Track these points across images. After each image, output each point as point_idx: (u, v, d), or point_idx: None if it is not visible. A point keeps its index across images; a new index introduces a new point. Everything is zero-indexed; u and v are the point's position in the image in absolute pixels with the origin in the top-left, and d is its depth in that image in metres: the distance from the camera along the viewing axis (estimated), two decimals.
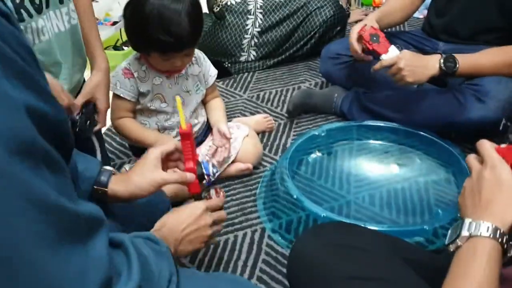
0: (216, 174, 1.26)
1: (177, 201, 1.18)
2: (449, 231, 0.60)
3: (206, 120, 1.33)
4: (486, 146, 0.62)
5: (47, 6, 1.00)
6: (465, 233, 0.56)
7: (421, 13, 2.39)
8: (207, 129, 1.34)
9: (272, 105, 1.70)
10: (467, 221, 0.57)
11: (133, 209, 0.87)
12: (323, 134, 1.37)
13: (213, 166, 1.24)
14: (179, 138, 0.95)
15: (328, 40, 1.93)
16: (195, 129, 1.29)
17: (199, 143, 1.30)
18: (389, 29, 1.64)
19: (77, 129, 1.05)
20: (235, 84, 1.86)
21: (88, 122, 1.08)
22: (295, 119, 1.59)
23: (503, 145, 0.63)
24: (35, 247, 0.34)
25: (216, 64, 1.93)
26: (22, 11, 0.93)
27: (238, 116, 1.61)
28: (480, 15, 1.41)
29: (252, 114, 1.62)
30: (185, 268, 1.00)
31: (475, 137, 0.69)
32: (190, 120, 1.27)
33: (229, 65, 1.94)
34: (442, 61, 1.23)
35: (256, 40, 1.91)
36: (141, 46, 1.14)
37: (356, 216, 1.16)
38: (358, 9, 2.48)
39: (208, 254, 1.08)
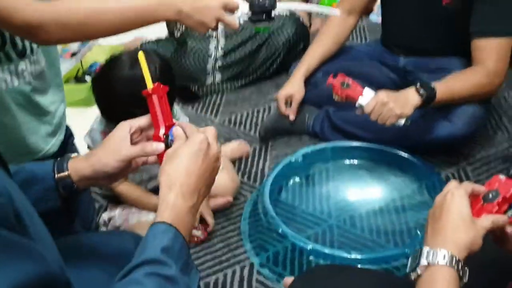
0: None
1: None
2: (410, 259, 0.62)
3: None
4: (453, 182, 0.67)
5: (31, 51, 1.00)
6: (423, 261, 0.59)
7: (379, 17, 2.44)
8: None
9: (245, 128, 1.72)
10: (425, 249, 0.60)
11: (119, 251, 0.80)
12: (299, 160, 1.39)
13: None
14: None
15: (293, 58, 1.96)
16: None
17: None
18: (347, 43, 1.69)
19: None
20: (205, 108, 1.86)
21: None
22: (269, 141, 1.61)
23: (502, 176, 0.69)
24: None
25: (183, 89, 1.94)
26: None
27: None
28: (431, 29, 1.46)
29: (226, 139, 1.63)
30: None
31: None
32: None
33: (196, 88, 1.94)
34: (418, 87, 1.25)
35: (220, 63, 1.92)
36: (117, 118, 1.11)
37: (340, 240, 1.20)
38: (319, 17, 2.51)
39: None
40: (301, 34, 1.95)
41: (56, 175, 0.71)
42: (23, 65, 1.00)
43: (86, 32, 0.89)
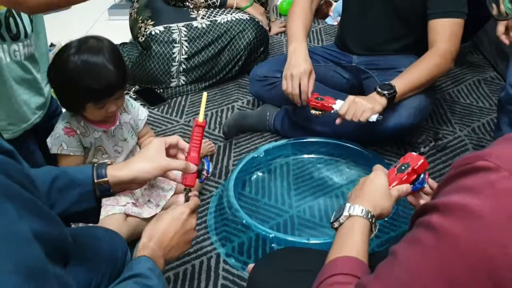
0: (210, 173, 1.20)
1: (134, 239, 1.25)
2: (334, 213, 0.78)
3: None
4: (377, 165, 0.88)
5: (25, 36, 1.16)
6: (345, 213, 0.74)
7: (335, 20, 2.57)
8: None
9: (209, 127, 1.79)
10: (348, 204, 0.76)
11: (98, 256, 0.91)
12: (261, 155, 1.48)
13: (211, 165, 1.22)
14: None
15: (254, 60, 2.05)
16: None
17: None
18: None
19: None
20: (170, 110, 1.91)
21: None
22: (233, 139, 1.69)
23: (414, 153, 0.90)
24: None
25: (148, 91, 2.00)
26: None
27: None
28: (385, 27, 1.58)
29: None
30: None
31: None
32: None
33: (161, 91, 2.00)
34: (379, 89, 1.35)
35: (184, 66, 1.98)
36: (74, 103, 1.18)
37: (300, 229, 1.29)
38: (277, 21, 2.61)
39: (170, 286, 1.16)
40: (261, 38, 2.03)
41: (96, 181, 0.82)
42: (15, 47, 1.15)
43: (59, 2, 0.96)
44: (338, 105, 1.36)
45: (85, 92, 1.12)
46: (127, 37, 2.25)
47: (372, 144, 1.54)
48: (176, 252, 0.85)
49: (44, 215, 0.47)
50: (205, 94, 0.92)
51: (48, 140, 1.22)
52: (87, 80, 1.10)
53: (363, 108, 1.31)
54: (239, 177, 1.40)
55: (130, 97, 1.86)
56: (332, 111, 1.38)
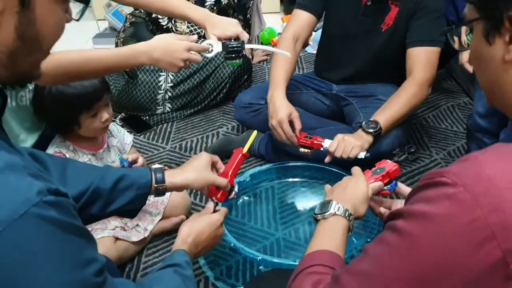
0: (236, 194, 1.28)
1: (122, 263, 1.27)
2: (318, 205, 0.87)
3: None
4: (357, 167, 1.02)
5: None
6: (332, 211, 0.84)
7: (314, 48, 2.66)
8: None
9: (195, 153, 1.82)
10: (334, 203, 0.85)
11: None
12: (247, 180, 1.52)
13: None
14: None
15: (238, 87, 2.11)
16: None
17: None
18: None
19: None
20: (156, 137, 1.95)
21: None
22: None
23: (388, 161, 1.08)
24: None
25: (134, 118, 2.03)
26: None
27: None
28: (363, 61, 1.66)
29: (177, 165, 1.72)
30: None
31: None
32: None
33: (147, 118, 2.03)
34: (364, 127, 1.40)
35: (170, 94, 2.02)
36: (68, 120, 1.22)
37: (286, 251, 1.32)
38: (259, 51, 2.69)
39: None
40: (244, 66, 2.10)
41: (155, 185, 0.97)
42: (22, 93, 1.20)
43: (80, 77, 1.09)
44: (327, 143, 1.41)
45: (76, 99, 1.17)
46: None
47: (352, 167, 1.59)
48: (203, 252, 1.00)
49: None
50: (255, 132, 1.17)
51: None
52: (76, 90, 1.17)
53: (352, 145, 1.36)
54: (225, 201, 1.43)
55: (117, 123, 1.89)
56: (322, 149, 1.43)
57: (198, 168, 1.02)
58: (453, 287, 0.49)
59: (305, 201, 1.52)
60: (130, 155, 1.42)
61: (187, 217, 1.43)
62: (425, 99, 1.55)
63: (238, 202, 1.51)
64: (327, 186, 1.02)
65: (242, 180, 1.51)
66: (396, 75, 1.59)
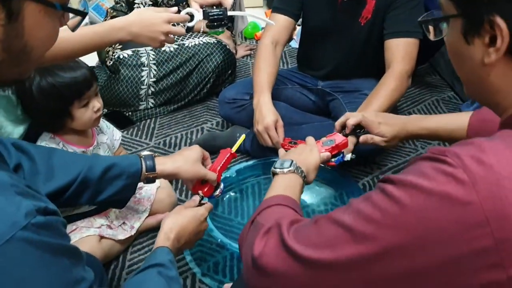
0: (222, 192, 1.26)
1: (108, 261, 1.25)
2: (278, 161, 0.93)
3: None
4: (311, 137, 1.09)
5: None
6: (292, 168, 0.89)
7: (297, 43, 2.66)
8: None
9: (179, 149, 1.80)
10: (294, 162, 0.91)
11: None
12: (233, 176, 1.50)
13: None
14: None
15: (222, 82, 2.09)
16: None
17: None
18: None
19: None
20: (139, 133, 1.92)
21: None
22: None
23: (323, 138, 1.15)
24: None
25: (116, 114, 1.99)
26: None
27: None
28: (344, 57, 1.66)
29: None
30: None
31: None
32: None
33: (130, 113, 2.00)
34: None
35: (152, 89, 1.99)
36: (60, 112, 1.18)
37: None
38: (243, 44, 2.68)
39: None
40: (228, 61, 2.08)
41: (145, 173, 0.96)
42: None
43: (53, 59, 1.02)
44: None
45: (67, 89, 1.14)
46: (93, 60, 2.25)
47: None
48: (185, 247, 0.99)
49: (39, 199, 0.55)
50: (243, 135, 1.18)
51: None
52: (65, 80, 1.13)
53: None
54: (212, 197, 1.41)
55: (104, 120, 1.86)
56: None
57: (189, 159, 1.02)
58: (428, 261, 0.48)
59: None
60: (118, 153, 1.40)
61: None
62: (405, 91, 1.53)
63: (225, 198, 1.49)
64: (281, 150, 1.16)
65: (228, 176, 1.49)
66: (382, 68, 1.59)
